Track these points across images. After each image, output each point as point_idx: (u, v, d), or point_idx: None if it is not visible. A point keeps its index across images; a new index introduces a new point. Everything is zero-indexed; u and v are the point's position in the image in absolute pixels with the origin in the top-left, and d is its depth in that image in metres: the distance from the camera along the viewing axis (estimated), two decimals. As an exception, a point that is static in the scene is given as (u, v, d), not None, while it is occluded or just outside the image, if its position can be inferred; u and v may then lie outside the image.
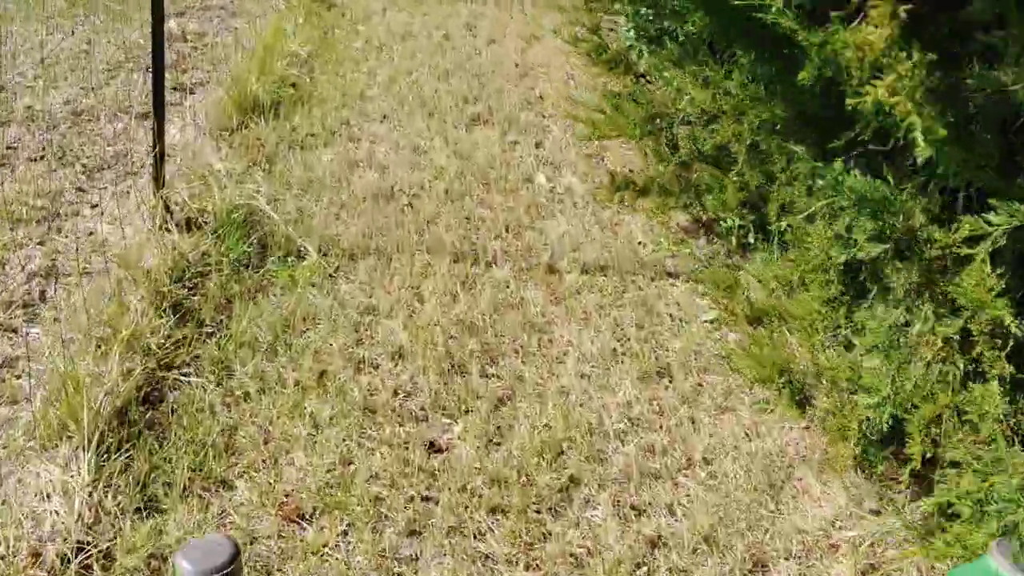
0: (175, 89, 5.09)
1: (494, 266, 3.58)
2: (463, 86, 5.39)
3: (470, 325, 3.18)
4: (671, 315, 3.37)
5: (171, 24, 6.05)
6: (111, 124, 4.58)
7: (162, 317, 2.95)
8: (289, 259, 3.47)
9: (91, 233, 3.59)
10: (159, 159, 3.38)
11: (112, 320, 2.83)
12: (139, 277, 3.04)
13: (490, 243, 3.76)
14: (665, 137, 3.22)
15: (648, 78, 3.73)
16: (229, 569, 1.07)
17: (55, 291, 3.16)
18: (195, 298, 3.13)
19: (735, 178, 2.93)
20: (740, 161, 2.82)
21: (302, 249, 3.52)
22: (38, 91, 4.82)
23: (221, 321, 3.07)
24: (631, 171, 4.37)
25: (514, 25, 6.69)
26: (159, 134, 3.34)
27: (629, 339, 3.19)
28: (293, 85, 5.08)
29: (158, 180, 3.40)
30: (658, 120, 3.25)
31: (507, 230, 3.87)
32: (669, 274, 3.63)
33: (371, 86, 5.28)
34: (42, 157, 4.15)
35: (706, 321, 3.34)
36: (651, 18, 3.97)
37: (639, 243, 3.86)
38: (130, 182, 4.03)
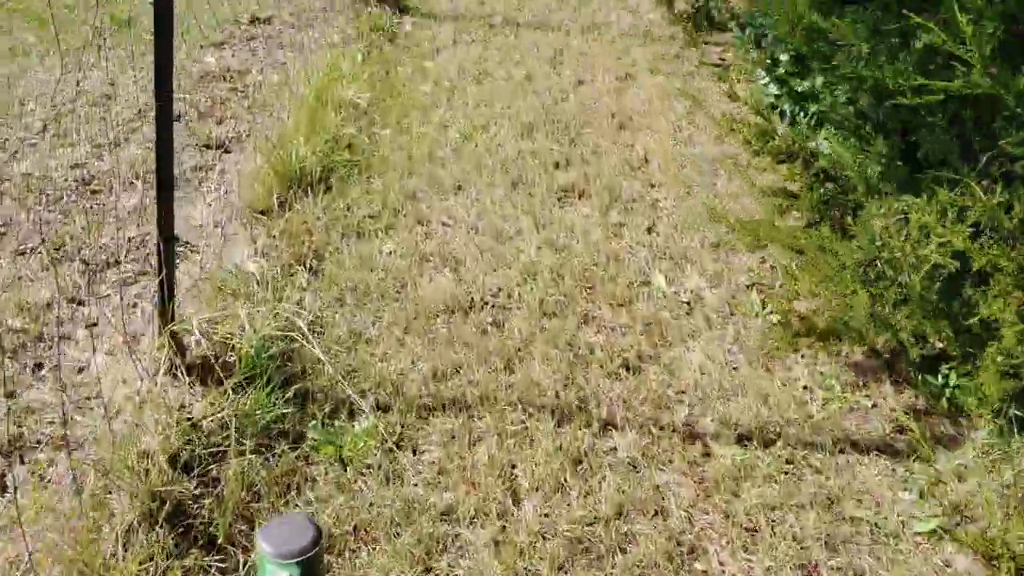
0: (207, 147, 4.26)
1: (612, 430, 2.63)
2: (551, 144, 4.45)
3: (589, 545, 2.23)
4: (867, 520, 2.38)
5: (209, 59, 5.25)
6: (125, 196, 3.74)
7: (156, 534, 2.06)
8: (337, 420, 2.56)
9: (81, 370, 2.73)
10: (166, 287, 2.49)
11: (83, 546, 1.95)
12: (129, 470, 2.16)
13: (603, 387, 2.81)
14: (894, 294, 2.22)
15: (834, 176, 2.71)
16: (311, 554, 0.94)
17: (17, 478, 2.30)
18: (205, 500, 2.23)
19: (1001, 359, 1.93)
20: (1013, 339, 1.83)
21: (354, 404, 2.61)
22: (43, 150, 4.00)
23: (238, 537, 2.17)
24: (776, 280, 3.39)
25: (603, 59, 5.73)
26: (166, 256, 2.45)
27: (819, 569, 2.21)
28: (349, 146, 4.18)
29: (165, 314, 2.51)
30: (877, 263, 2.25)
31: (625, 367, 2.91)
32: (853, 444, 2.64)
33: (442, 144, 4.36)
34: (34, 248, 3.31)
35: (919, 533, 2.35)
36: (829, 86, 2.96)
37: (804, 387, 2.87)
38: (141, 286, 3.18)
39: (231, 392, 2.47)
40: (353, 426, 2.54)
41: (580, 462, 2.49)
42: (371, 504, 2.29)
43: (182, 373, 2.54)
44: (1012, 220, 1.81)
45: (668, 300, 3.28)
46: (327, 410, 2.59)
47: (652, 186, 4.15)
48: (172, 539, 2.08)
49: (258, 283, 3.07)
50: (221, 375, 2.52)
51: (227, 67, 5.17)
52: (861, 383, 2.89)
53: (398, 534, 2.21)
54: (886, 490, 2.48)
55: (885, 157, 2.35)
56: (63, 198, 3.69)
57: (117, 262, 3.30)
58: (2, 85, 4.76)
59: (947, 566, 2.27)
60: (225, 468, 2.30)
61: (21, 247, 3.30)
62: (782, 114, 3.68)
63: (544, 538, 2.24)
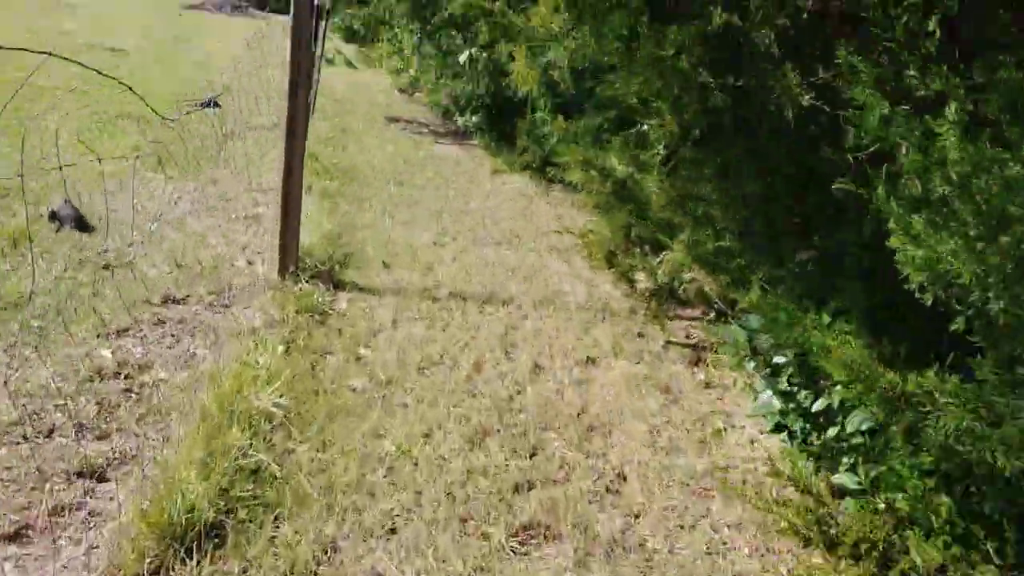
0: (79, 475, 3.40)
1: None
2: (507, 456, 3.69)
3: None
4: None
5: (104, 353, 4.49)
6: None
7: None
8: None
9: None
10: None
11: None
12: None
13: None
14: None
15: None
16: None
17: None
18: None
19: None
20: None
21: None
22: None
23: None
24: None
25: (561, 338, 5.14)
26: None
27: None
28: (255, 474, 3.36)
29: None
30: None
31: None
32: None
33: (373, 463, 3.57)
34: None
35: None
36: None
37: None
38: None
39: None
40: None
41: None
42: None
43: None
44: None
45: None
46: None
47: (636, 517, 3.37)
48: None
49: None
50: None
51: (125, 361, 4.40)
52: None
53: None
54: None
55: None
56: None
57: None
58: None
59: None
60: None
61: None
62: (791, 435, 3.00)
63: None
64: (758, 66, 2.57)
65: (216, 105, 12.11)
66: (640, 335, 5.29)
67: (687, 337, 5.29)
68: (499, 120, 10.66)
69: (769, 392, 3.21)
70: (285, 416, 3.80)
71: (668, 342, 5.18)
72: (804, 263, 2.97)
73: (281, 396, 3.92)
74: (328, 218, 7.15)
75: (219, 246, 6.30)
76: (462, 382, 4.41)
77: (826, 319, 2.19)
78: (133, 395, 4.12)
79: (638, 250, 5.53)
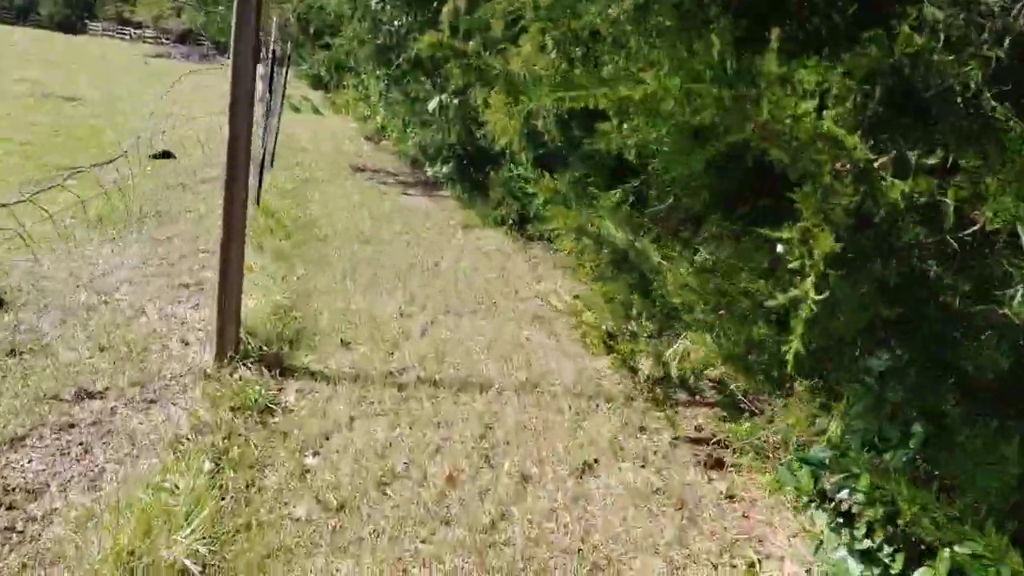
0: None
1: None
2: (491, 618, 2.87)
3: None
4: None
5: (-13, 474, 3.62)
6: None
7: None
8: None
9: None
10: None
11: None
12: None
13: None
14: None
15: None
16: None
17: None
18: None
19: None
20: None
21: None
22: None
23: None
24: None
25: (551, 436, 4.34)
26: None
27: None
28: (151, 669, 2.51)
29: None
30: None
31: None
32: None
33: (316, 638, 2.73)
34: None
35: None
36: None
37: None
38: None
39: None
40: None
41: None
42: None
43: None
44: None
45: None
46: None
47: None
48: None
49: None
50: None
51: (12, 485, 3.53)
52: None
53: None
54: None
55: None
56: None
57: None
58: None
59: None
60: None
61: None
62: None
63: None
64: (960, 126, 1.82)
65: (169, 156, 11.28)
66: (642, 428, 4.50)
67: (697, 430, 4.51)
68: (472, 170, 9.94)
69: (844, 551, 2.42)
70: (204, 570, 2.95)
71: (676, 437, 4.39)
72: (890, 373, 2.22)
73: (202, 538, 3.07)
74: (280, 284, 6.33)
75: (153, 322, 5.46)
76: (433, 503, 3.58)
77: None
78: (14, 536, 3.24)
79: (635, 324, 4.76)
